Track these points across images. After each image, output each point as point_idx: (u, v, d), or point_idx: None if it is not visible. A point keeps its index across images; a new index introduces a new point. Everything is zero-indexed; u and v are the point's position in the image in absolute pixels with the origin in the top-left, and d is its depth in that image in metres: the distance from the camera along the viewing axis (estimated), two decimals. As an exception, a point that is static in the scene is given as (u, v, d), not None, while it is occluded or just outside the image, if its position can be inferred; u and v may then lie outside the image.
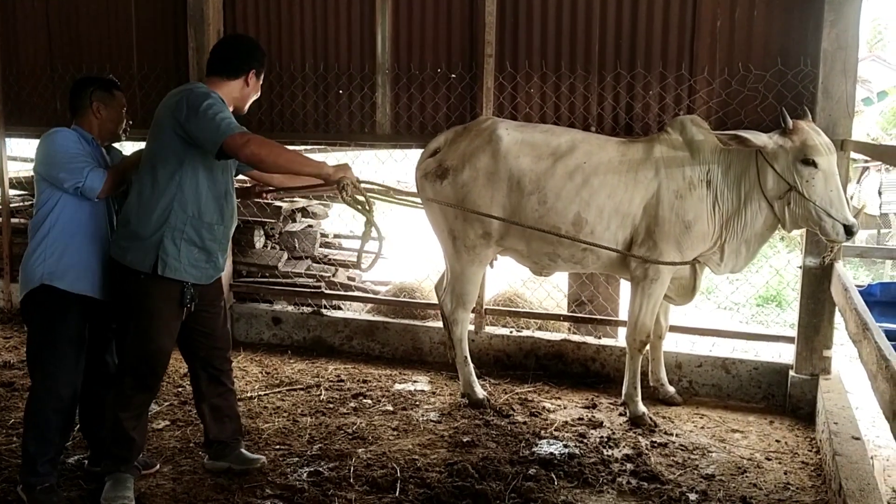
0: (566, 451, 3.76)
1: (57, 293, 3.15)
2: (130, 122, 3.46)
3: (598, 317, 5.06)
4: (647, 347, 4.27)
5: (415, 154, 5.72)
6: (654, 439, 3.91)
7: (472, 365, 4.44)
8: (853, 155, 4.32)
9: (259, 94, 3.28)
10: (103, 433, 3.23)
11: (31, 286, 3.18)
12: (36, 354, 3.23)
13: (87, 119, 3.31)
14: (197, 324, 3.30)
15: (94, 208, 3.26)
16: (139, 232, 3.04)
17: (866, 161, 11.33)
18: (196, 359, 3.40)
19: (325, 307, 5.58)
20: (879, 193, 13.71)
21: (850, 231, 3.69)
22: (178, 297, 3.11)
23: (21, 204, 6.63)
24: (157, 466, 3.55)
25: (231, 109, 3.12)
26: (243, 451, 3.53)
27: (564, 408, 4.35)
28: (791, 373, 4.36)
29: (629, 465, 3.60)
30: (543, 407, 4.34)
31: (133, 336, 3.12)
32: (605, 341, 4.90)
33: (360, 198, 3.18)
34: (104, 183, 3.18)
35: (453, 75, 4.88)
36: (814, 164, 3.69)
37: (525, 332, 5.08)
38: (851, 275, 9.70)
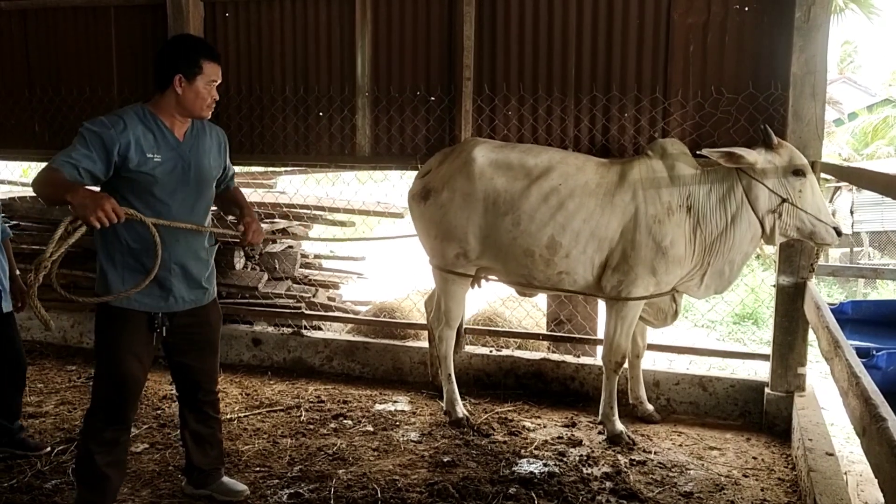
0: (546, 469, 3.78)
1: None
2: None
3: (577, 336, 5.10)
4: (626, 366, 4.31)
5: (394, 175, 5.78)
6: (632, 457, 3.95)
7: (455, 383, 4.46)
8: (824, 175, 4.42)
9: (210, 95, 2.99)
10: (73, 470, 3.10)
11: None
12: None
13: None
14: (181, 354, 3.22)
15: None
16: (98, 258, 3.01)
17: (838, 181, 11.55)
18: (180, 388, 3.34)
19: (306, 328, 5.58)
20: (851, 213, 13.99)
21: (839, 232, 3.87)
22: (146, 323, 3.02)
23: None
24: (47, 449, 3.87)
25: (189, 120, 3.04)
26: (225, 480, 3.48)
27: (544, 426, 4.38)
28: (767, 390, 4.42)
29: (608, 484, 3.63)
30: (523, 426, 4.36)
31: (101, 363, 3.03)
32: (584, 360, 4.94)
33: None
34: None
35: (432, 98, 4.94)
36: (803, 174, 3.83)
37: (504, 352, 5.11)
38: (825, 293, 9.86)
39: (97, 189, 2.82)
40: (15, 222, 5.81)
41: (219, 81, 3.03)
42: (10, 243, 3.99)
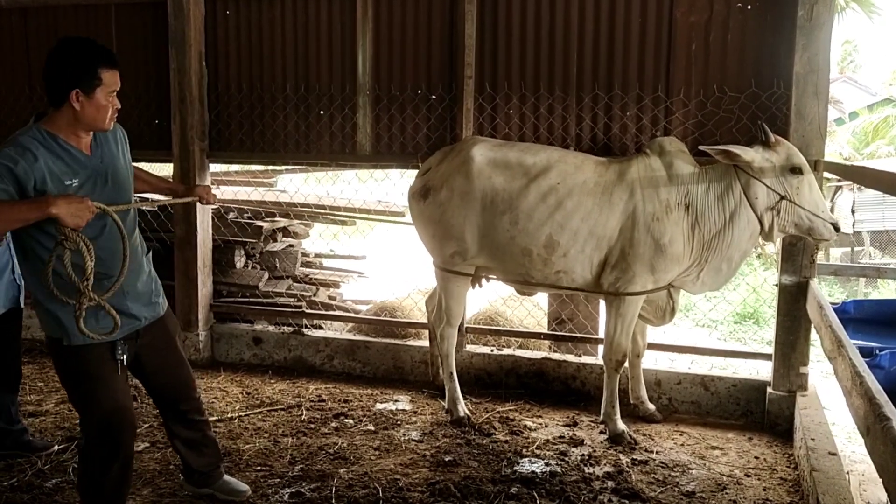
0: (548, 469, 3.77)
1: None
2: None
3: (579, 335, 5.09)
4: (626, 366, 4.30)
5: (395, 174, 5.77)
6: (634, 457, 3.94)
7: (457, 381, 4.45)
8: (826, 174, 4.41)
9: (112, 105, 2.76)
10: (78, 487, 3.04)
11: None
12: None
13: None
14: (151, 373, 3.10)
15: None
16: (38, 298, 2.79)
17: (839, 180, 11.56)
18: (159, 402, 3.25)
19: (306, 327, 5.57)
20: (853, 212, 13.98)
21: (837, 228, 3.90)
22: (109, 353, 2.84)
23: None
24: (55, 448, 3.88)
25: (90, 133, 2.80)
26: (227, 479, 3.45)
27: (545, 426, 4.37)
28: (769, 389, 4.41)
29: (610, 483, 3.62)
30: (525, 425, 4.35)
31: (80, 408, 2.89)
32: (585, 359, 4.93)
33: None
34: None
35: (433, 96, 4.92)
36: (800, 172, 3.83)
37: (506, 351, 5.10)
38: (826, 292, 9.85)
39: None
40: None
41: (118, 88, 2.77)
42: None
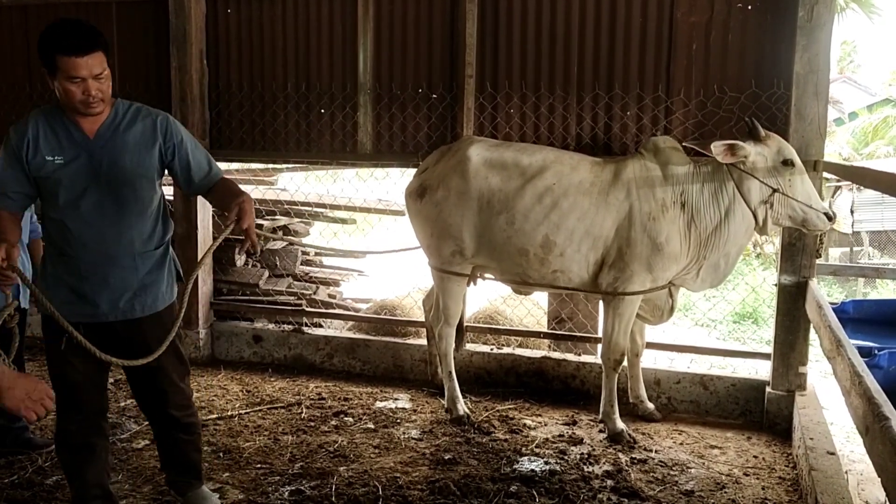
0: (547, 467, 3.78)
1: None
2: None
3: (578, 334, 5.10)
4: (626, 364, 4.31)
5: (395, 173, 5.78)
6: (633, 455, 3.95)
7: (456, 380, 4.46)
8: (825, 174, 4.42)
9: (80, 90, 2.60)
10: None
11: None
12: None
13: None
14: (134, 375, 2.99)
15: None
16: None
17: (839, 180, 11.56)
18: (144, 410, 3.14)
19: (306, 325, 5.58)
20: (852, 212, 13.99)
21: (830, 217, 3.90)
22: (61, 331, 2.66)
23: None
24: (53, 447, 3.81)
25: (104, 114, 2.76)
26: (203, 489, 3.25)
27: (545, 425, 4.37)
28: (768, 389, 4.42)
29: (609, 482, 3.63)
30: (524, 424, 4.36)
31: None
32: (585, 358, 4.94)
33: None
34: None
35: (434, 95, 4.93)
36: (791, 164, 3.85)
37: (505, 350, 5.11)
38: (825, 292, 9.86)
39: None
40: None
41: (88, 75, 2.59)
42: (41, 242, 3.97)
